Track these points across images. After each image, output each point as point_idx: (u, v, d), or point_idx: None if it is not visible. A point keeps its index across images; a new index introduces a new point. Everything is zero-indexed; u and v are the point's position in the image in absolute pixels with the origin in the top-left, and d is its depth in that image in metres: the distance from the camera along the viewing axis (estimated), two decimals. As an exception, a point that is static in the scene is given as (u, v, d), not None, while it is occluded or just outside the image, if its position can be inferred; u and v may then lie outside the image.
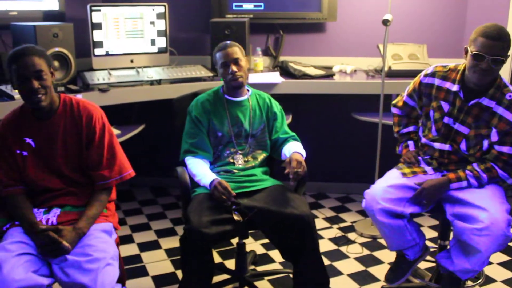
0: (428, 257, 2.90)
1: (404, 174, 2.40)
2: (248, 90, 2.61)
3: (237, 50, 2.48)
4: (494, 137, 2.27)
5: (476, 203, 2.19)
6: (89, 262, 1.85)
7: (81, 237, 1.96)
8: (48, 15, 3.19)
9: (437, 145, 2.40)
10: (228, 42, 2.53)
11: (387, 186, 2.32)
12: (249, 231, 2.48)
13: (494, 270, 2.90)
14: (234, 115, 2.53)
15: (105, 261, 1.88)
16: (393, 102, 2.66)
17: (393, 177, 2.40)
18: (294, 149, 2.45)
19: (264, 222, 2.27)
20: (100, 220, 2.08)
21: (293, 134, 2.62)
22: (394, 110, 2.65)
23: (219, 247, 3.16)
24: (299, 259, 2.32)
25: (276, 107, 2.63)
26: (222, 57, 2.47)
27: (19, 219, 2.00)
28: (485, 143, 2.30)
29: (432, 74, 2.40)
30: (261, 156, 2.57)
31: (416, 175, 2.40)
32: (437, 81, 2.38)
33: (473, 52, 2.16)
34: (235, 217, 2.25)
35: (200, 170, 2.42)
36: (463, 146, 2.34)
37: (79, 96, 2.82)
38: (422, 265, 2.85)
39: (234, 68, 2.45)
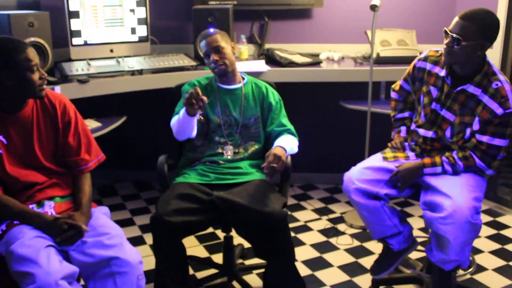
0: (419, 247, 2.86)
1: (385, 158, 2.41)
2: (243, 78, 2.54)
3: (217, 38, 2.41)
4: (476, 125, 2.21)
5: (443, 190, 2.15)
6: (109, 239, 1.89)
7: (89, 220, 1.98)
8: (23, 4, 3.09)
9: (421, 131, 2.38)
10: (211, 30, 2.47)
11: (364, 168, 2.36)
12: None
13: (485, 258, 2.88)
14: (224, 103, 2.47)
15: (122, 237, 1.93)
16: (392, 86, 2.63)
17: (374, 160, 2.43)
18: (280, 143, 2.36)
19: (234, 216, 2.19)
20: (93, 205, 2.10)
21: (290, 127, 2.51)
22: (392, 95, 2.63)
23: (205, 241, 3.09)
24: (269, 259, 2.26)
25: (273, 97, 2.54)
26: (203, 46, 2.44)
27: (19, 217, 1.91)
28: (468, 132, 2.25)
29: (425, 59, 2.38)
30: (253, 148, 2.49)
31: (397, 160, 2.39)
32: (428, 66, 2.35)
33: (443, 28, 2.16)
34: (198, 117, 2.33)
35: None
36: (448, 133, 2.29)
37: (57, 88, 2.73)
38: (413, 255, 2.82)
39: (215, 57, 2.40)
